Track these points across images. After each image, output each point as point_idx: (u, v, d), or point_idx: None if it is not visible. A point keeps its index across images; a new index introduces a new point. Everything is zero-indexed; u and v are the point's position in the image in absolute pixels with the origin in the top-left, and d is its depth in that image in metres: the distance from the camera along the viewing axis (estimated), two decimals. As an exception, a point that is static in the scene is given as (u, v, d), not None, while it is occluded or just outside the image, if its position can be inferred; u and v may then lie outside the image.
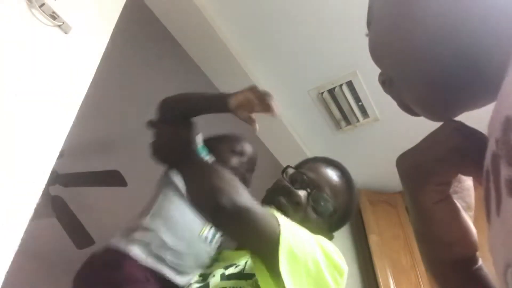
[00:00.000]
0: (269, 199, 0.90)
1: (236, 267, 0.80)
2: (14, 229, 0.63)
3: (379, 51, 0.49)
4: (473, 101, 0.43)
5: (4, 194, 0.63)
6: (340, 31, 1.63)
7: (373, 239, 2.23)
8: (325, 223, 0.91)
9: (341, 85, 1.86)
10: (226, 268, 0.82)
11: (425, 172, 0.43)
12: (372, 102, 1.94)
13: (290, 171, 0.96)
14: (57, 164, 0.75)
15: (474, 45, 0.38)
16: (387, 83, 0.49)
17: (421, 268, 2.18)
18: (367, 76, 1.79)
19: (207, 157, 0.87)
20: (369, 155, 2.30)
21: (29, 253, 2.81)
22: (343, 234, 2.29)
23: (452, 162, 0.41)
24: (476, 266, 0.44)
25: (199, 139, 0.84)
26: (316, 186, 0.91)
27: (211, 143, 1.03)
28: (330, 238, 0.96)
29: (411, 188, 0.45)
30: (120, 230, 0.82)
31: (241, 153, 1.07)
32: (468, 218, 0.44)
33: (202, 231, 0.85)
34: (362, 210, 2.37)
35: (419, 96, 0.45)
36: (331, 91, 1.90)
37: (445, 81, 0.41)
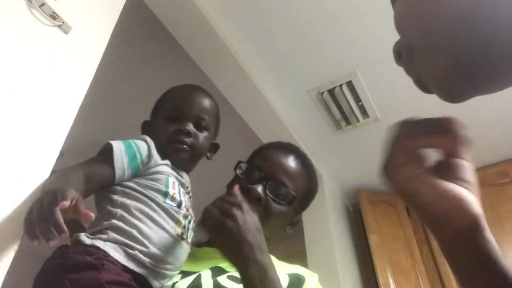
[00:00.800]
0: None
1: (234, 280, 0.76)
2: (14, 229, 0.63)
3: (407, 19, 0.48)
4: (492, 85, 0.44)
5: (4, 194, 0.63)
6: (340, 31, 1.63)
7: (373, 239, 2.23)
8: (289, 209, 0.92)
9: (341, 85, 1.86)
10: (216, 273, 0.79)
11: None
12: (372, 102, 1.94)
13: (243, 166, 0.95)
14: (57, 164, 0.75)
15: (505, 29, 0.39)
16: (404, 54, 0.48)
17: (421, 268, 2.18)
18: (367, 76, 1.79)
19: (142, 153, 0.78)
20: (369, 155, 2.30)
21: (29, 253, 2.80)
22: (343, 234, 2.29)
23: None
24: (481, 235, 0.42)
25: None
26: (271, 176, 0.91)
27: (147, 123, 0.93)
28: (297, 221, 0.99)
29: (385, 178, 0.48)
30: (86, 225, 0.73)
31: (180, 118, 0.88)
32: (461, 189, 0.43)
33: (177, 229, 0.78)
34: (362, 210, 2.37)
35: (440, 73, 0.44)
36: (331, 91, 1.90)
37: (471, 62, 0.41)
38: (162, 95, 0.96)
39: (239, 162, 0.96)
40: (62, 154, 0.77)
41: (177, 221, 0.79)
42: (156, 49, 1.79)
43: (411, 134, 0.46)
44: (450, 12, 0.42)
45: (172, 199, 0.79)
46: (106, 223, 0.72)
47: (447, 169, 0.46)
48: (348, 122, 2.07)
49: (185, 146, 0.86)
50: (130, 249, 0.70)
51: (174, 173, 0.84)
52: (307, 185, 0.98)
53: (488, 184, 2.23)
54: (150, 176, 0.79)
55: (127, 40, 1.68)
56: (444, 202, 0.43)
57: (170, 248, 0.75)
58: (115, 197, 0.76)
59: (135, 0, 1.23)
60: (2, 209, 0.62)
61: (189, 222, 0.83)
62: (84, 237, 0.69)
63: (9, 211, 0.63)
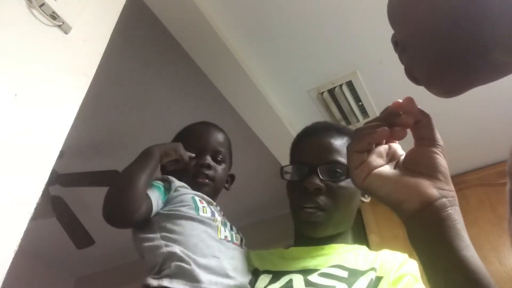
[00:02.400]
0: (296, 211, 0.87)
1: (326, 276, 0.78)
2: (14, 229, 0.63)
3: (397, 17, 0.50)
4: (486, 77, 0.45)
5: (4, 194, 0.64)
6: (340, 31, 1.63)
7: (373, 239, 2.23)
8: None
9: (341, 85, 1.86)
10: (306, 272, 0.79)
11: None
12: (372, 102, 1.94)
13: (288, 169, 0.91)
14: (57, 164, 0.75)
15: (493, 31, 0.40)
16: (400, 47, 0.50)
17: (420, 268, 2.17)
18: (367, 76, 1.79)
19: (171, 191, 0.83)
20: (369, 155, 2.30)
21: (29, 253, 2.81)
22: (343, 234, 2.29)
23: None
24: (433, 214, 0.45)
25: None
26: (317, 161, 0.85)
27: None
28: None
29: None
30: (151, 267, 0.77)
31: (198, 153, 0.93)
32: (410, 179, 0.47)
33: (219, 235, 0.81)
34: (362, 210, 2.37)
35: (432, 72, 0.46)
36: (331, 91, 1.90)
37: (462, 58, 0.43)
38: (178, 135, 1.02)
39: (282, 167, 0.91)
40: (62, 154, 0.77)
41: (216, 228, 0.83)
42: (156, 49, 1.80)
43: (355, 140, 0.51)
44: (437, 10, 0.43)
45: (204, 211, 0.84)
46: (158, 258, 0.76)
47: (393, 157, 0.51)
48: (348, 122, 2.07)
49: (207, 180, 0.92)
50: (195, 281, 0.71)
51: (198, 193, 0.88)
52: None
53: (488, 184, 2.23)
54: (177, 199, 0.84)
55: (127, 40, 1.68)
56: (396, 192, 0.48)
57: (220, 252, 0.78)
58: (152, 235, 0.79)
59: (135, 0, 1.23)
60: (2, 209, 0.62)
61: (230, 228, 0.87)
62: (151, 280, 0.72)
63: (9, 211, 0.63)
